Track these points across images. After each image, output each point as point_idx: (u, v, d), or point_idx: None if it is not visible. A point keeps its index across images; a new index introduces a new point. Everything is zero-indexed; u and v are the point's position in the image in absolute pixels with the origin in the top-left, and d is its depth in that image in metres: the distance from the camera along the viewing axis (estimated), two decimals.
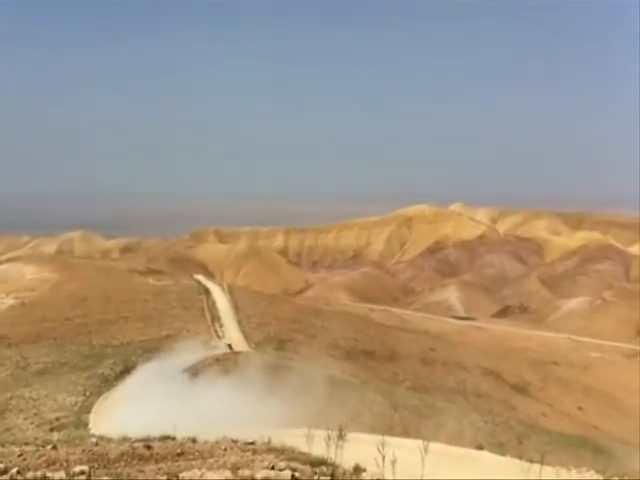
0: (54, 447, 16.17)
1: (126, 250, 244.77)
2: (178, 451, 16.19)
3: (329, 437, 14.86)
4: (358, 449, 15.60)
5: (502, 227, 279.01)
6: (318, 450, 15.23)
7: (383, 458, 13.94)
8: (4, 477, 13.56)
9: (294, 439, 17.21)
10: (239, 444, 17.31)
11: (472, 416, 48.65)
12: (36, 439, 20.45)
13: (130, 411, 31.84)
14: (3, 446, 17.36)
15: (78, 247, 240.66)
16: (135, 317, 73.13)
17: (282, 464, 14.04)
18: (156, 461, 15.53)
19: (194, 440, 17.45)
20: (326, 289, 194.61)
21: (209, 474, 13.63)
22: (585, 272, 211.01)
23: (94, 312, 76.28)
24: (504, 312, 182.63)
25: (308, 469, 14.08)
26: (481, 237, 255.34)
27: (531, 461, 16.57)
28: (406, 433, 39.15)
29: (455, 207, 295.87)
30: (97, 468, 14.63)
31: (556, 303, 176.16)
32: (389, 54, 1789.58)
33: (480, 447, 30.37)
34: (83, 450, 15.83)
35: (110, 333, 66.85)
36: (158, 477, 13.85)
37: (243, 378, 39.94)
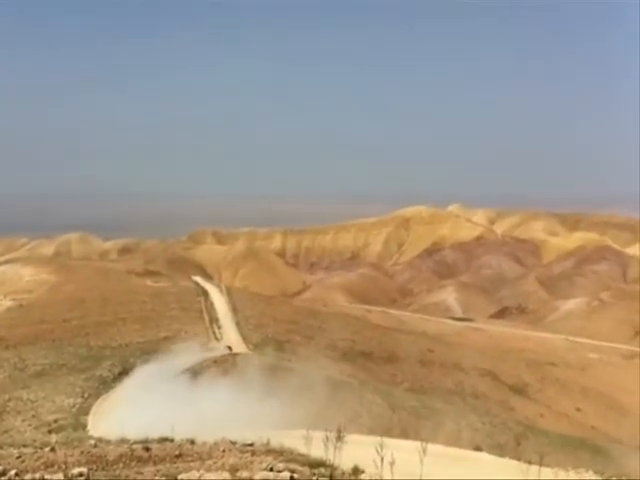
0: (52, 449, 16.14)
1: (124, 251, 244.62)
2: (177, 453, 16.17)
3: (327, 438, 14.86)
4: (356, 450, 15.60)
5: (499, 228, 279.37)
6: (317, 451, 15.23)
7: (382, 459, 13.94)
8: (2, 479, 13.55)
9: (293, 440, 17.20)
10: (238, 445, 17.29)
11: (470, 417, 48.72)
12: (34, 441, 20.40)
13: (128, 413, 31.81)
14: (1, 448, 17.33)
15: (76, 249, 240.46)
16: (133, 319, 73.05)
17: (281, 465, 14.05)
18: (154, 463, 15.51)
19: (192, 442, 17.42)
20: (324, 290, 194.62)
21: (208, 475, 13.63)
22: (582, 273, 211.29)
23: (92, 314, 76.21)
24: (502, 313, 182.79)
25: (307, 470, 14.09)
26: (478, 238, 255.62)
27: (529, 462, 16.59)
28: (404, 434, 39.18)
29: (453, 208, 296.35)
30: (95, 470, 14.61)
31: (554, 304, 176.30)
32: (389, 54, 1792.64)
33: (478, 448, 30.42)
34: (81, 452, 15.81)
35: (108, 335, 66.77)
36: (157, 479, 13.85)
37: (241, 379, 39.96)
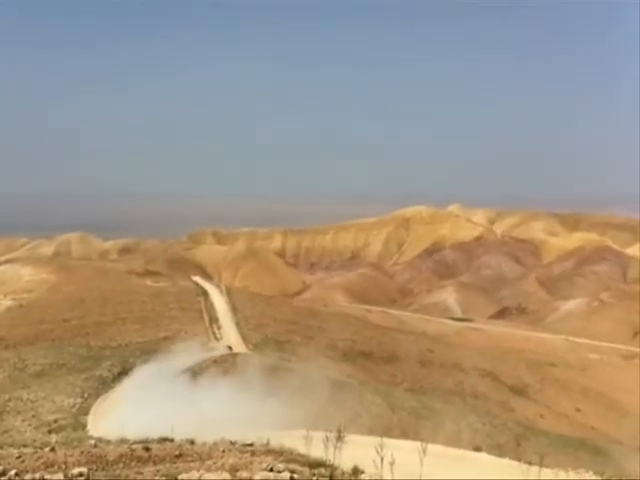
0: (52, 449, 16.13)
1: (124, 251, 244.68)
2: (176, 453, 16.16)
3: (327, 439, 14.85)
4: (356, 451, 15.60)
5: (499, 228, 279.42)
6: (316, 452, 15.23)
7: (381, 459, 13.94)
8: (2, 479, 13.55)
9: (292, 441, 17.20)
10: (237, 446, 17.29)
11: (470, 417, 48.72)
12: (34, 441, 20.40)
13: (128, 413, 31.81)
14: (1, 448, 17.33)
15: (76, 248, 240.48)
16: (133, 319, 73.04)
17: (281, 466, 14.05)
18: (154, 463, 15.51)
19: (192, 442, 17.42)
20: (324, 290, 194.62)
21: (207, 476, 13.63)
22: (582, 273, 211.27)
23: (92, 314, 76.18)
24: (502, 313, 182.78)
25: (307, 471, 14.09)
26: (478, 238, 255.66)
27: (529, 463, 16.59)
28: (404, 435, 39.19)
29: (452, 208, 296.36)
30: (95, 470, 14.61)
31: (554, 304, 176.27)
32: (389, 54, 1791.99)
33: (478, 449, 30.39)
34: (81, 452, 15.80)
35: (108, 335, 66.76)
36: (157, 479, 13.85)
37: (241, 379, 39.97)
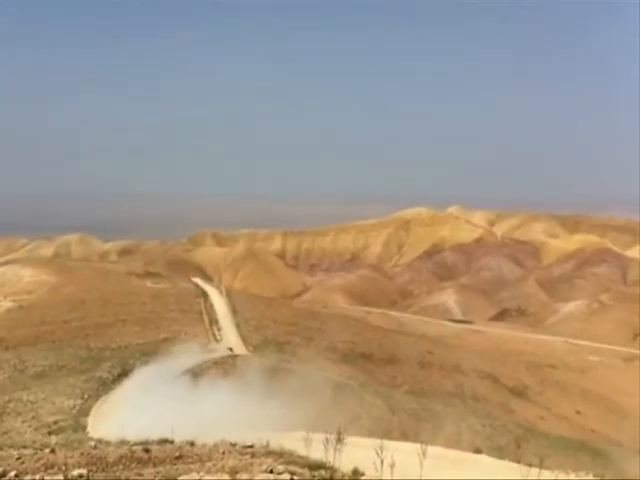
0: (52, 450, 16.13)
1: (124, 253, 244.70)
2: (176, 454, 16.18)
3: (327, 440, 14.87)
4: (356, 453, 15.62)
5: (499, 230, 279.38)
6: (316, 453, 15.25)
7: (381, 462, 13.95)
8: None
9: (292, 442, 17.21)
10: (237, 447, 17.30)
11: (470, 420, 48.67)
12: (34, 442, 20.38)
13: (128, 414, 31.80)
14: (1, 449, 17.32)
15: (76, 250, 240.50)
16: (133, 320, 73.03)
17: (281, 467, 14.06)
18: (154, 464, 15.52)
19: (192, 443, 17.43)
20: (324, 292, 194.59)
21: (207, 477, 13.65)
22: (582, 275, 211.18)
23: (92, 315, 76.17)
24: (502, 315, 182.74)
25: (306, 472, 14.10)
26: (478, 240, 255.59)
27: (530, 465, 16.62)
28: (404, 437, 39.20)
29: (452, 210, 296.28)
30: (95, 471, 14.62)
31: (554, 306, 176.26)
32: (389, 54, 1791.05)
33: (478, 451, 30.41)
34: (81, 453, 15.81)
35: (108, 336, 66.73)
36: None
37: (241, 381, 39.98)
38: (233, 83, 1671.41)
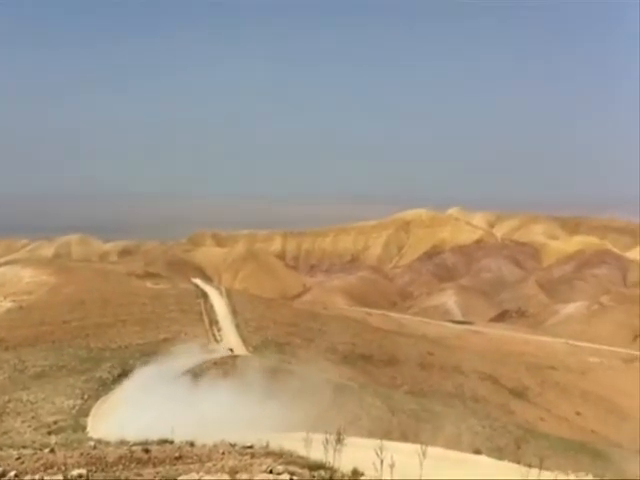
0: (52, 450, 16.13)
1: (124, 253, 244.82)
2: (176, 455, 16.17)
3: (327, 441, 14.86)
4: (356, 453, 15.62)
5: (499, 231, 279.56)
6: (316, 454, 15.24)
7: (381, 462, 13.95)
8: None
9: (292, 443, 17.21)
10: (237, 448, 17.28)
11: (470, 420, 48.67)
12: (34, 442, 20.36)
13: (128, 414, 31.81)
14: (1, 449, 17.31)
15: (76, 250, 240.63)
16: (133, 320, 73.05)
17: (280, 468, 14.05)
18: (154, 465, 15.52)
19: (192, 444, 17.42)
20: (324, 293, 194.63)
21: (207, 477, 13.64)
22: (582, 277, 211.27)
23: (92, 315, 76.19)
24: (502, 316, 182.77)
25: (306, 473, 14.10)
26: (478, 241, 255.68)
27: (529, 465, 16.63)
28: (404, 437, 39.19)
29: (452, 211, 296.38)
30: (95, 472, 14.62)
31: (554, 307, 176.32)
32: (389, 54, 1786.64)
33: (478, 451, 30.44)
34: (81, 453, 15.80)
35: (108, 336, 66.75)
36: None
37: (241, 382, 39.97)
38: (233, 83, 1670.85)
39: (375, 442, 15.67)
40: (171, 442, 17.86)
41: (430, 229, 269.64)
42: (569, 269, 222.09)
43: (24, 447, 17.85)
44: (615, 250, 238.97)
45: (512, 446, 44.49)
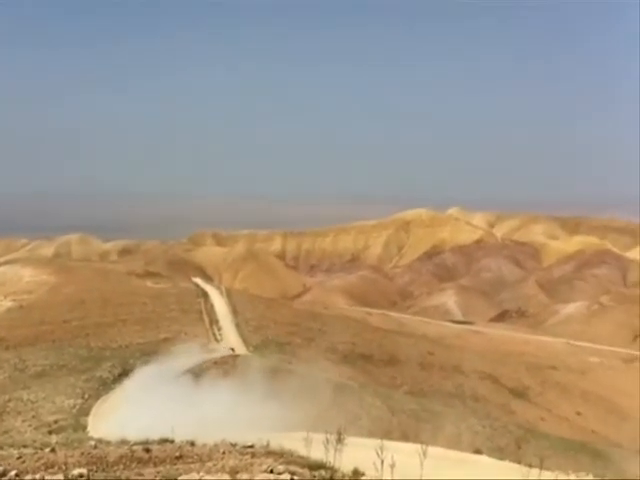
0: (52, 450, 16.14)
1: (124, 252, 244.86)
2: (177, 454, 16.17)
3: (328, 441, 14.86)
4: (357, 453, 15.61)
5: (499, 231, 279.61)
6: (317, 454, 15.24)
7: (382, 462, 13.94)
8: None
9: (293, 443, 17.20)
10: (238, 447, 17.28)
11: (470, 420, 48.69)
12: (34, 442, 20.38)
13: (128, 414, 31.83)
14: (1, 449, 17.33)
15: (76, 250, 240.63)
16: (133, 320, 73.07)
17: (281, 467, 14.05)
18: (155, 464, 15.52)
19: (193, 443, 17.42)
20: (324, 293, 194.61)
21: (208, 477, 13.64)
22: (582, 277, 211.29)
23: (92, 315, 76.22)
24: (502, 316, 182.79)
25: (307, 473, 14.09)
26: (478, 241, 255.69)
27: (530, 465, 16.61)
28: (404, 437, 39.21)
29: (452, 211, 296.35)
30: (96, 471, 14.62)
31: (554, 307, 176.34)
32: (389, 54, 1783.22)
33: (478, 451, 30.44)
34: (82, 453, 15.81)
35: (108, 336, 66.78)
36: None
37: (242, 381, 39.97)
38: (233, 83, 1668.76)
39: (376, 442, 15.66)
40: (172, 442, 17.87)
41: (430, 229, 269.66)
42: (569, 269, 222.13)
43: (25, 446, 17.87)
44: (615, 250, 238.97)
45: (512, 446, 44.52)
